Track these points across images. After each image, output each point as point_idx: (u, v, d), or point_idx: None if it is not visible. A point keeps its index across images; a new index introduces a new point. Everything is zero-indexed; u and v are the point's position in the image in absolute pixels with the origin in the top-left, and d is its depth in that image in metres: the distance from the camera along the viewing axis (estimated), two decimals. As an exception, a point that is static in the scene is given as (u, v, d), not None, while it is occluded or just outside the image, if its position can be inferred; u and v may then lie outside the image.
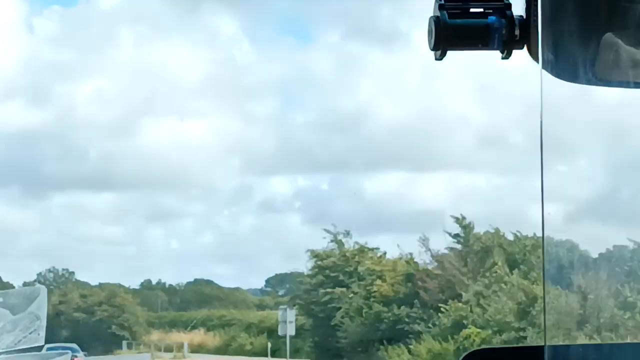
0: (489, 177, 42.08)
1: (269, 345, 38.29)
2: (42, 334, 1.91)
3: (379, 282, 31.23)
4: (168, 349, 44.62)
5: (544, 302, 1.52)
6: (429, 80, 43.10)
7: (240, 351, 43.44)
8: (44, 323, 1.91)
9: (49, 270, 55.69)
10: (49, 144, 48.24)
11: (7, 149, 48.94)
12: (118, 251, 57.11)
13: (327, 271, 34.04)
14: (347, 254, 33.98)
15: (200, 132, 48.07)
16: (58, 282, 52.84)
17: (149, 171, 46.46)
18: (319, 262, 34.84)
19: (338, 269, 33.77)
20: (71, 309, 49.34)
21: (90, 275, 54.18)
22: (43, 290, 1.98)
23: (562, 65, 1.31)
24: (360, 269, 32.91)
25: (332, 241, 35.31)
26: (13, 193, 52.65)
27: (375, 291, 31.10)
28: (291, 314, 30.28)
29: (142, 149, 46.45)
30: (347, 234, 35.13)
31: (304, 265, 36.00)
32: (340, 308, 32.52)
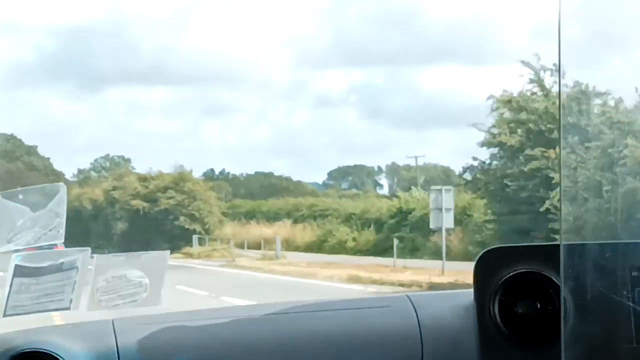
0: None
1: (395, 242, 34.22)
2: (62, 231, 2.12)
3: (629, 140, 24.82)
4: (253, 246, 43.82)
5: (560, 202, 1.98)
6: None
7: (340, 249, 42.54)
8: (64, 220, 2.12)
9: (104, 158, 58.91)
10: (102, 38, 55.96)
11: (61, 44, 58.42)
12: (175, 145, 60.55)
13: (526, 127, 27.38)
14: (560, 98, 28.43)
15: (252, 25, 55.39)
16: (114, 169, 55.10)
17: (202, 66, 53.79)
18: (513, 115, 27.88)
19: (545, 122, 27.04)
20: (128, 196, 48.62)
21: (148, 166, 57.18)
22: (63, 187, 2.16)
23: None
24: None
25: (532, 81, 27.89)
26: (68, 87, 61.03)
27: (618, 152, 24.48)
28: (449, 198, 24.21)
29: (196, 43, 53.97)
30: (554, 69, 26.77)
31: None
32: (550, 181, 24.63)
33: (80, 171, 59.04)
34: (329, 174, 60.63)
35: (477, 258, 2.28)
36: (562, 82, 2.04)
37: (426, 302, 2.32)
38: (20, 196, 2.33)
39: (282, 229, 46.75)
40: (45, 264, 2.34)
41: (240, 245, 44.17)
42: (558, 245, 1.97)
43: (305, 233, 46.40)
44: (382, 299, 2.44)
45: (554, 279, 2.22)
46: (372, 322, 2.28)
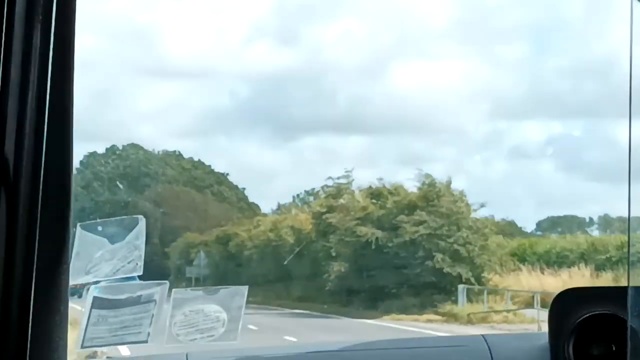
0: None
1: None
2: (140, 263, 2.95)
3: None
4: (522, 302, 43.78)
5: (629, 243, 2.71)
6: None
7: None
8: (142, 253, 2.94)
9: (308, 192, 64.45)
10: (298, 86, 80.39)
11: (257, 91, 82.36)
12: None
13: None
14: None
15: (449, 75, 76.43)
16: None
17: (397, 115, 72.87)
18: None
19: None
20: (352, 220, 47.66)
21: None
22: (142, 220, 3.01)
23: None
24: None
25: None
26: (263, 134, 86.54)
27: None
28: None
29: (391, 93, 72.80)
30: None
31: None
32: None
33: (280, 206, 62.53)
34: (538, 224, 78.88)
35: (552, 300, 3.31)
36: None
37: (501, 343, 3.39)
38: (100, 228, 3.57)
39: (577, 278, 45.69)
40: (123, 297, 3.58)
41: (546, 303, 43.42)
42: (626, 288, 2.90)
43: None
44: (459, 338, 3.53)
45: (632, 322, 3.18)
46: None
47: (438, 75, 78.24)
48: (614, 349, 3.21)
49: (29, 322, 2.71)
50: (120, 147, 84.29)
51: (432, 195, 47.88)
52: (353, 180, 51.30)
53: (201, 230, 61.77)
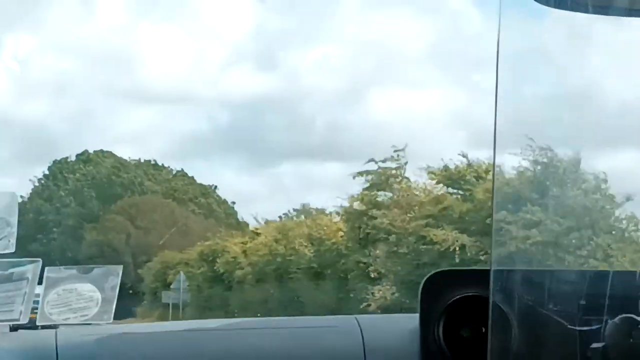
0: None
1: None
2: (13, 241, 3.28)
3: None
4: None
5: (493, 226, 3.21)
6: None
7: None
8: (15, 230, 3.28)
9: (297, 210, 65.37)
10: (276, 112, 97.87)
11: (235, 116, 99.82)
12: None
13: None
14: None
15: (426, 103, 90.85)
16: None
17: (374, 142, 79.57)
18: None
19: None
20: (416, 220, 37.07)
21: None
22: (14, 195, 3.33)
23: None
24: None
25: None
26: (240, 160, 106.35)
27: None
28: None
29: (369, 119, 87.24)
30: None
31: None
32: None
33: (267, 222, 62.94)
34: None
35: (422, 282, 3.74)
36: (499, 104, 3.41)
37: (373, 324, 3.85)
38: (-32, 204, 4.01)
39: None
40: (-6, 274, 4.00)
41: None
42: (489, 270, 3.30)
43: None
44: (331, 319, 4.01)
45: (499, 303, 3.59)
46: (318, 341, 3.86)
47: (416, 102, 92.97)
48: (483, 330, 3.62)
49: None
50: (92, 152, 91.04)
51: (550, 180, 35.68)
52: (407, 162, 41.80)
53: (181, 248, 60.39)
